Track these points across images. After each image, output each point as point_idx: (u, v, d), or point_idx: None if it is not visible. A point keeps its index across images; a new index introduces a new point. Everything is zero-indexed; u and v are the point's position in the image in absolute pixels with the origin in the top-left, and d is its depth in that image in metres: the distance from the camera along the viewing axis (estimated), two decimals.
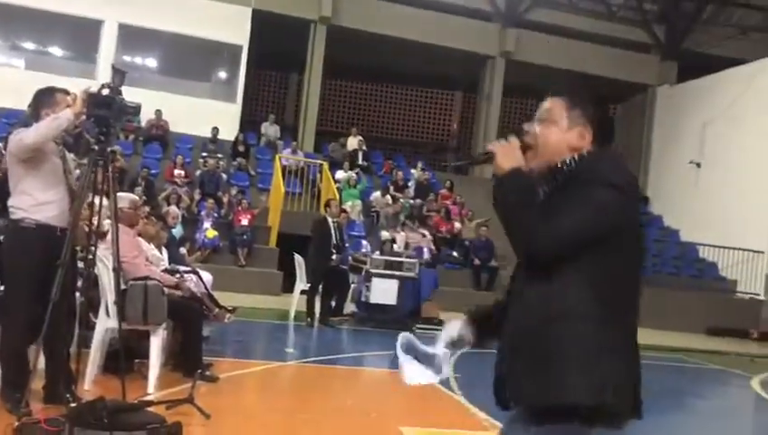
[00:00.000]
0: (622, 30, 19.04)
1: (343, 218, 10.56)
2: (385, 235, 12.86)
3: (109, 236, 4.36)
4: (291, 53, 17.94)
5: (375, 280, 9.77)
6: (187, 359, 5.19)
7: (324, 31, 17.21)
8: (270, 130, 16.88)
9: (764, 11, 18.62)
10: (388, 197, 14.94)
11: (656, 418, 5.57)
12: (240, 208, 12.96)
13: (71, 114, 3.81)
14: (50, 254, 3.81)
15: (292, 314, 9.64)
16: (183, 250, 9.06)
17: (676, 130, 17.91)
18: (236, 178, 14.78)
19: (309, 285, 9.42)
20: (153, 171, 13.83)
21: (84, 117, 3.90)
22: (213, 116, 15.88)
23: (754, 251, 15.19)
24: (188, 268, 6.73)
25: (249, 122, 17.34)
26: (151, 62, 17.64)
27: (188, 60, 17.34)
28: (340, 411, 5.12)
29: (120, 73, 3.79)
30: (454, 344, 2.27)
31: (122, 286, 4.57)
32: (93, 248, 3.95)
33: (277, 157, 14.64)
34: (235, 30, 16.54)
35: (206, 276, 7.04)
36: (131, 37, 16.35)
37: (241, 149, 15.60)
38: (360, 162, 16.38)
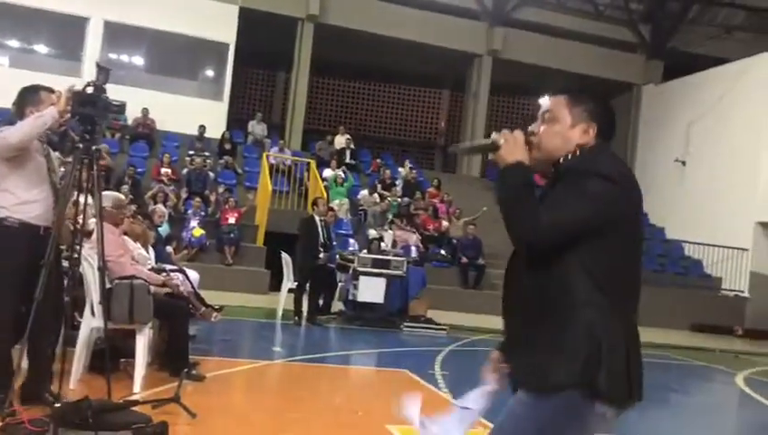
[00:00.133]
0: (608, 29, 19.15)
1: (331, 217, 10.55)
2: (372, 233, 12.87)
3: (94, 235, 4.34)
4: (278, 51, 17.90)
5: (362, 278, 9.77)
6: (174, 358, 5.17)
7: (312, 29, 17.19)
8: (257, 128, 16.84)
9: (749, 10, 18.78)
10: (376, 195, 14.94)
11: (641, 413, 5.62)
12: (227, 207, 12.93)
13: (55, 112, 3.79)
14: (34, 253, 3.79)
15: (280, 313, 9.63)
16: (169, 249, 9.01)
17: (661, 129, 18.03)
18: (223, 176, 14.74)
19: (296, 283, 9.42)
20: (140, 170, 13.76)
21: (69, 115, 3.88)
22: (200, 114, 15.82)
23: (739, 249, 15.33)
24: (175, 267, 6.71)
25: (236, 121, 17.30)
26: (138, 60, 17.53)
27: (175, 58, 17.26)
28: (328, 410, 5.13)
29: (104, 71, 3.77)
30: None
31: (108, 285, 4.56)
32: (78, 247, 3.93)
33: (264, 155, 14.61)
34: (222, 28, 16.49)
35: (193, 275, 7.02)
36: (117, 35, 16.25)
37: (228, 147, 15.56)
38: (348, 160, 16.38)
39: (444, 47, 17.88)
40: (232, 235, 12.54)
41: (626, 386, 1.91)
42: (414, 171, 16.52)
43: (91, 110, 3.76)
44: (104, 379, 4.05)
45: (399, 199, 15.12)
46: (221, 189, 13.74)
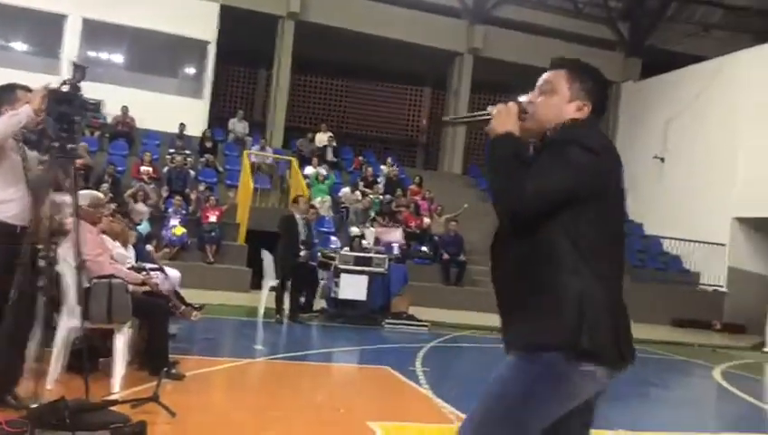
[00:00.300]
0: (588, 27, 19.27)
1: (312, 214, 10.54)
2: (354, 231, 12.87)
3: (71, 234, 4.31)
4: (259, 48, 17.84)
5: (344, 276, 9.78)
6: (153, 357, 5.15)
7: (292, 26, 17.15)
8: (238, 126, 16.77)
9: (726, 9, 18.99)
10: (358, 192, 14.95)
11: (621, 407, 5.69)
12: (208, 205, 12.88)
13: (30, 111, 3.76)
14: (10, 252, 3.76)
15: (261, 311, 9.61)
16: (150, 247, 8.96)
17: (640, 126, 18.18)
18: (204, 174, 14.67)
19: (277, 281, 9.41)
20: (119, 168, 13.66)
21: (44, 114, 3.85)
22: (180, 112, 15.73)
23: (717, 244, 15.51)
24: (155, 266, 6.68)
25: (217, 118, 17.22)
26: (117, 58, 17.40)
27: (155, 55, 17.13)
28: (309, 408, 5.13)
29: (80, 69, 3.75)
30: None
31: (86, 285, 4.54)
32: (54, 247, 3.90)
33: (245, 153, 14.56)
34: (203, 25, 16.41)
35: (174, 274, 7.02)
36: (96, 32, 16.11)
37: (209, 145, 15.49)
38: (330, 158, 16.37)
39: (425, 45, 17.91)
40: (213, 233, 12.49)
41: (613, 345, 1.94)
42: (396, 168, 16.54)
43: (66, 108, 3.74)
44: (82, 379, 4.02)
45: (381, 197, 15.14)
46: (202, 188, 13.67)
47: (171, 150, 14.67)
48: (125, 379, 4.85)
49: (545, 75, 2.16)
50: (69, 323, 4.65)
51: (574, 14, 19.18)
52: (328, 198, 14.41)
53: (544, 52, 18.62)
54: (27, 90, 3.97)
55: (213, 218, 12.64)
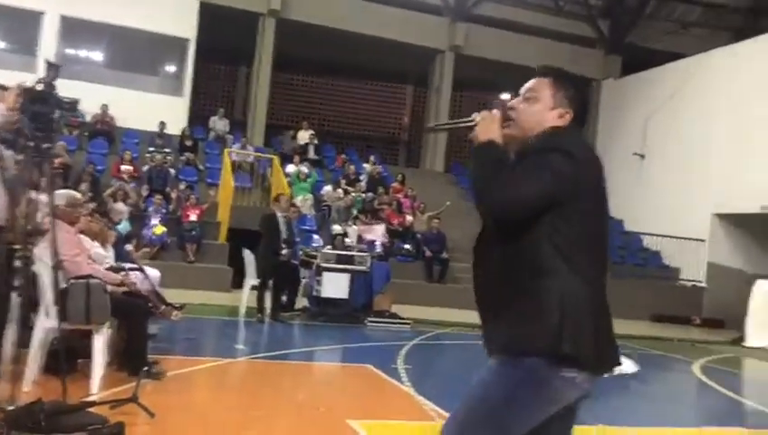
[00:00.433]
0: (568, 24, 19.38)
1: (293, 213, 10.51)
2: (336, 229, 12.85)
3: (48, 234, 4.27)
4: (239, 46, 17.76)
5: (326, 274, 9.77)
6: (132, 357, 5.10)
7: (273, 24, 17.09)
8: (219, 124, 16.69)
9: (705, 6, 19.18)
10: (340, 190, 14.93)
11: (601, 402, 5.72)
12: (188, 204, 12.80)
13: (3, 109, 3.71)
14: None
15: (243, 311, 9.57)
16: (129, 247, 8.89)
17: (620, 123, 18.31)
18: (185, 173, 14.58)
19: (259, 280, 9.37)
20: (99, 167, 13.54)
21: (19, 113, 3.80)
22: (160, 110, 15.63)
23: (696, 240, 15.66)
24: (135, 266, 6.63)
25: (197, 117, 17.11)
26: (96, 56, 17.24)
27: (135, 53, 16.98)
28: (290, 407, 5.12)
29: (54, 68, 3.71)
30: None
31: (63, 285, 4.49)
32: (31, 247, 3.86)
33: (226, 151, 14.49)
34: (183, 23, 16.30)
35: (153, 273, 6.95)
36: (74, 30, 15.95)
37: (189, 143, 15.40)
38: (312, 156, 16.33)
39: (406, 43, 17.92)
40: (194, 232, 12.42)
41: (594, 350, 1.94)
42: (378, 166, 16.54)
43: (41, 107, 3.70)
44: (60, 380, 3.98)
45: (364, 195, 15.13)
46: (182, 186, 13.58)
47: (151, 149, 14.57)
48: (104, 380, 4.81)
49: (529, 83, 2.19)
50: (46, 323, 4.60)
51: (555, 12, 19.28)
52: (310, 196, 14.38)
53: (525, 49, 18.98)
54: (3, 88, 3.92)
55: (193, 217, 12.57)
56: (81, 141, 14.80)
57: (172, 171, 14.15)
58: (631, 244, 16.68)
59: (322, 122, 19.89)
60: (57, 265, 4.12)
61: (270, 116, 17.92)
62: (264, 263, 9.34)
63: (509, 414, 1.98)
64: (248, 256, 9.73)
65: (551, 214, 1.96)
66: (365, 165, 16.55)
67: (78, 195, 5.57)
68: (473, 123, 2.12)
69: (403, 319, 10.05)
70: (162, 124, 15.32)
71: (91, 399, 4.25)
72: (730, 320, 13.81)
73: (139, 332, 5.19)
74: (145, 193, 13.26)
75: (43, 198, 4.52)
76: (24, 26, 15.89)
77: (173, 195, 13.39)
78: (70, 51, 16.42)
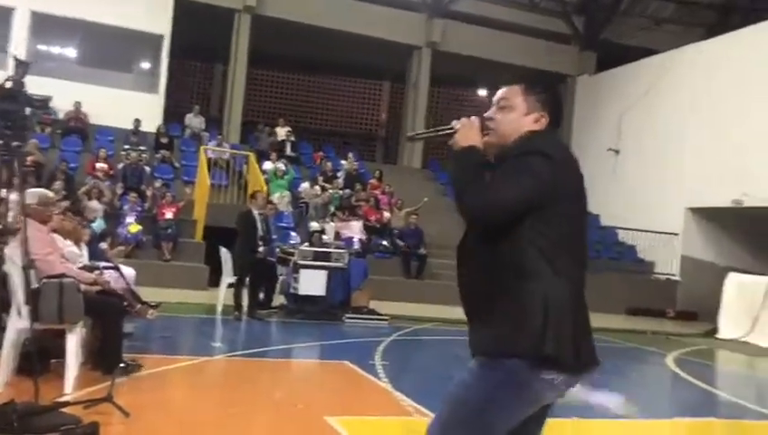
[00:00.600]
0: (543, 21, 19.50)
1: (270, 210, 10.47)
2: (314, 226, 12.83)
3: (19, 234, 4.22)
4: (215, 42, 17.65)
5: (303, 271, 9.74)
6: (107, 357, 5.06)
7: (249, 20, 17.00)
8: (194, 121, 16.57)
9: (677, 3, 19.39)
10: (317, 187, 14.90)
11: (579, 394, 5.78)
12: (164, 202, 12.70)
13: None
14: None
15: (220, 309, 9.52)
16: (104, 245, 8.82)
17: (594, 119, 18.47)
18: (160, 170, 14.45)
19: (235, 278, 9.33)
20: (72, 165, 13.39)
21: None
22: (135, 108, 15.47)
23: (670, 233, 15.86)
24: (109, 264, 6.57)
25: (173, 114, 16.96)
26: (69, 53, 17.03)
27: (108, 50, 16.78)
28: (267, 404, 5.11)
29: (23, 65, 3.66)
30: None
31: (36, 285, 4.44)
32: (2, 246, 3.81)
33: (202, 148, 14.39)
34: (157, 19, 16.15)
35: (128, 272, 6.90)
36: (46, 26, 15.73)
37: (164, 141, 15.27)
38: (289, 153, 16.27)
39: (383, 39, 17.90)
40: (169, 230, 12.32)
41: (574, 354, 1.98)
42: (355, 163, 16.52)
43: (9, 104, 3.65)
44: (33, 381, 3.94)
45: (341, 191, 15.11)
46: (158, 184, 13.47)
47: (126, 147, 14.42)
48: (78, 380, 4.76)
49: (501, 92, 2.23)
50: (18, 324, 4.55)
51: (530, 9, 19.38)
52: (287, 193, 14.34)
53: (501, 46, 19.05)
54: None
55: (169, 215, 12.47)
56: (53, 139, 14.61)
57: (147, 169, 14.03)
58: (607, 238, 16.84)
59: (299, 119, 19.81)
60: (29, 265, 4.08)
61: (246, 113, 17.83)
62: (240, 260, 9.30)
63: (489, 416, 2.01)
64: (225, 254, 9.68)
65: (532, 216, 1.99)
66: (343, 162, 16.52)
67: (50, 193, 5.50)
68: (452, 131, 2.16)
69: (381, 315, 10.07)
70: (137, 121, 15.18)
71: (64, 399, 4.21)
72: (703, 312, 14.01)
73: (113, 331, 5.15)
74: (120, 191, 13.12)
75: (14, 196, 4.47)
76: None
77: (148, 193, 13.27)
78: (41, 47, 16.20)
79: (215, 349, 7.32)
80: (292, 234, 12.78)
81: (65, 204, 9.01)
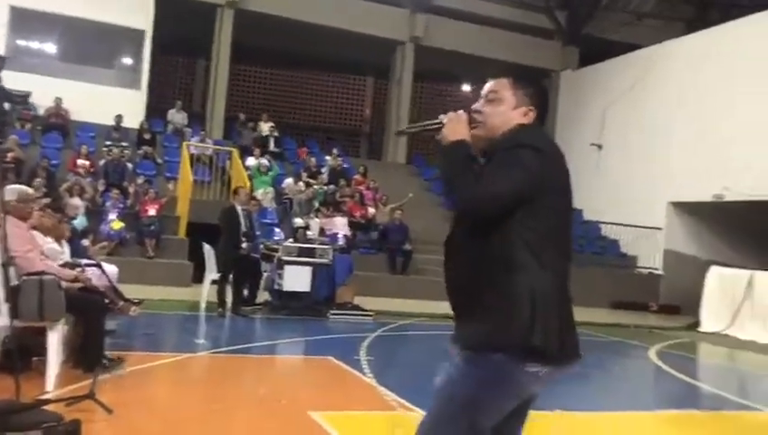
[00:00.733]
0: (526, 16, 19.55)
1: (254, 206, 10.43)
2: (298, 222, 12.79)
3: None
4: (197, 38, 17.52)
5: (287, 268, 9.71)
6: (89, 354, 5.02)
7: (231, 15, 16.91)
8: (177, 117, 16.46)
9: None
10: (301, 183, 14.86)
11: (559, 387, 5.80)
12: (147, 198, 12.62)
13: None
14: None
15: (203, 305, 9.49)
16: (86, 242, 8.75)
17: (578, 114, 18.55)
18: (142, 167, 14.36)
19: (219, 274, 9.29)
20: (54, 162, 13.27)
21: None
22: (116, 103, 15.36)
23: (652, 228, 15.98)
24: (91, 261, 6.52)
25: (155, 110, 16.84)
26: (50, 48, 16.84)
27: (89, 45, 16.61)
28: (251, 400, 5.09)
29: (1, 60, 3.61)
30: None
31: (15, 282, 4.40)
32: None
33: (185, 144, 14.29)
34: (138, 14, 16.03)
35: (111, 269, 6.85)
36: (25, 21, 15.55)
37: (147, 137, 15.16)
38: (272, 149, 16.21)
39: (366, 34, 17.87)
40: (152, 227, 12.24)
41: (559, 347, 2.00)
42: (340, 159, 16.49)
43: None
44: (14, 379, 3.90)
45: (325, 187, 15.08)
46: (140, 181, 13.38)
47: (108, 143, 14.31)
48: (60, 377, 4.73)
49: (490, 85, 2.23)
50: None
51: (513, 4, 19.42)
52: (270, 189, 14.29)
53: (484, 41, 19.06)
54: None
55: (152, 212, 12.39)
56: (34, 135, 14.47)
57: (130, 165, 13.93)
58: (590, 233, 16.94)
59: (282, 115, 19.75)
60: (8, 262, 4.04)
61: (229, 108, 17.74)
62: (224, 257, 9.26)
63: (476, 411, 2.03)
64: (208, 251, 9.63)
65: (521, 210, 2.00)
66: (327, 157, 16.48)
67: (30, 190, 5.46)
68: (440, 125, 2.15)
69: (366, 311, 10.06)
70: (119, 117, 15.06)
71: (46, 396, 4.17)
72: (686, 306, 14.13)
73: (95, 328, 5.11)
74: (102, 188, 13.02)
75: None
76: None
77: (131, 189, 13.18)
78: (21, 42, 16.00)
79: (198, 346, 7.28)
80: (277, 230, 12.75)
81: (45, 201, 8.92)
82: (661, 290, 15.65)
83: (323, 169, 15.93)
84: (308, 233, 11.84)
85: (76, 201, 11.62)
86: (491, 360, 1.98)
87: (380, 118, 20.87)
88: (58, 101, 14.83)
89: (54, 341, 4.68)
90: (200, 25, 16.71)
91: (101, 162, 13.64)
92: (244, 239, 9.25)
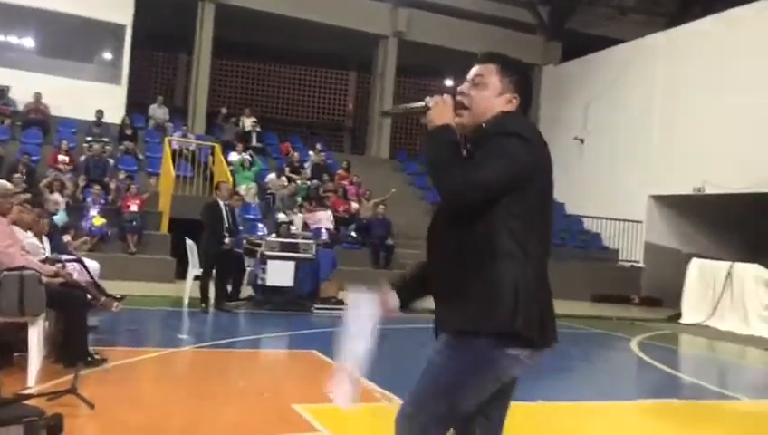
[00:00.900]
0: (509, 11, 19.59)
1: (236, 201, 10.39)
2: (281, 217, 12.76)
3: None
4: (178, 32, 17.39)
5: (270, 263, 9.69)
6: (70, 349, 5.00)
7: (213, 9, 16.81)
8: (158, 112, 16.35)
9: None
10: (284, 178, 14.82)
11: (542, 378, 5.86)
12: (128, 194, 12.53)
13: None
14: None
15: (186, 301, 9.45)
16: (67, 238, 8.67)
17: (560, 108, 18.64)
18: (124, 162, 14.25)
19: (201, 270, 9.26)
20: (34, 157, 13.13)
21: None
22: (97, 99, 15.23)
23: (634, 221, 16.11)
24: (72, 257, 6.47)
25: (136, 105, 16.72)
26: (28, 43, 16.65)
27: (69, 40, 16.44)
28: (233, 394, 5.09)
29: None
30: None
31: None
32: None
33: (166, 139, 14.20)
34: (118, 8, 15.91)
35: (92, 265, 6.82)
36: (4, 15, 15.34)
37: (128, 132, 15.05)
38: (255, 144, 16.15)
39: (349, 28, 17.83)
40: (134, 223, 12.16)
41: (540, 331, 2.03)
42: (323, 154, 16.46)
43: None
44: None
45: (309, 182, 15.05)
46: (122, 176, 13.28)
47: (88, 138, 14.19)
48: (42, 373, 4.71)
49: (477, 69, 2.22)
50: None
51: None
52: (253, 184, 14.24)
53: (467, 35, 19.06)
54: None
55: (134, 208, 12.31)
56: (13, 131, 14.32)
57: (111, 161, 13.82)
58: (572, 226, 17.05)
59: (265, 109, 19.67)
60: None
61: (211, 103, 17.64)
62: (206, 252, 9.23)
63: (459, 394, 2.06)
64: (191, 246, 9.59)
65: (507, 198, 2.01)
66: (310, 152, 16.44)
67: (9, 185, 5.41)
68: (426, 107, 2.14)
69: None
70: (99, 113, 14.94)
71: (27, 391, 4.14)
72: (667, 298, 14.26)
73: (77, 323, 5.08)
74: (82, 183, 12.91)
75: None
76: None
77: (112, 185, 13.08)
78: None
79: (181, 341, 7.26)
80: (260, 225, 12.72)
81: (25, 196, 8.83)
82: (643, 283, 15.79)
83: (306, 164, 15.90)
84: (291, 228, 11.82)
85: (56, 197, 11.52)
86: (473, 344, 2.01)
87: (363, 112, 20.84)
88: (38, 96, 14.68)
89: (35, 336, 4.66)
90: (181, 20, 16.59)
91: (82, 158, 13.52)
92: (226, 234, 9.22)
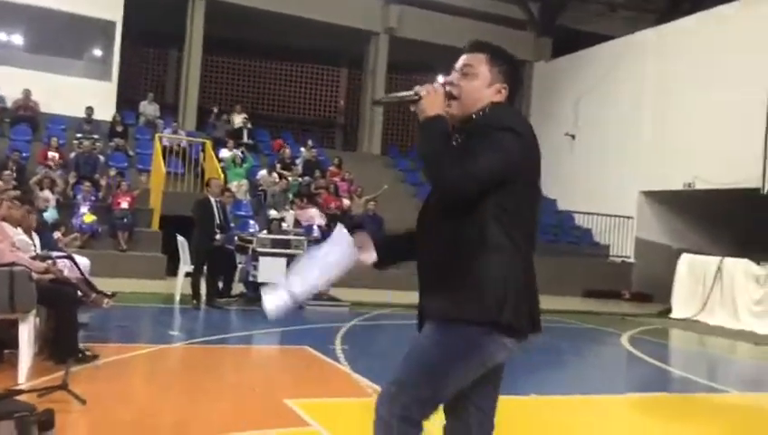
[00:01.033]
0: (500, 7, 19.59)
1: (227, 198, 10.37)
2: (273, 214, 12.75)
3: None
4: (169, 28, 17.32)
5: (262, 259, 9.69)
6: (61, 346, 4.99)
7: (203, 5, 16.74)
8: (149, 108, 16.29)
9: None
10: (275, 175, 14.79)
11: (534, 373, 5.89)
12: (119, 191, 12.49)
13: None
14: None
15: (178, 298, 9.43)
16: (57, 234, 8.64)
17: (551, 104, 18.68)
18: (114, 159, 14.20)
19: (193, 266, 9.24)
20: (24, 154, 13.05)
21: None
22: (87, 95, 15.16)
23: (624, 217, 16.18)
24: (62, 253, 6.45)
25: (126, 101, 16.65)
26: (17, 39, 16.54)
27: (58, 36, 16.32)
28: (225, 389, 5.09)
29: None
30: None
31: None
32: None
33: (157, 136, 14.15)
34: (108, 5, 15.84)
35: (83, 261, 6.78)
36: None
37: (119, 129, 14.98)
38: (246, 140, 16.11)
39: (340, 25, 17.79)
40: (125, 220, 12.12)
41: (527, 321, 2.07)
42: (314, 150, 16.44)
43: None
44: None
45: (300, 179, 15.03)
46: (112, 173, 13.23)
47: (79, 135, 14.12)
48: (33, 369, 4.70)
49: (466, 58, 2.21)
50: None
51: None
52: (245, 181, 14.22)
53: (458, 32, 19.04)
54: None
55: (125, 205, 12.27)
56: (2, 128, 14.25)
57: (101, 158, 13.76)
58: (563, 222, 17.09)
59: (256, 106, 19.62)
60: None
61: (202, 100, 17.59)
62: (198, 249, 9.21)
63: (443, 377, 2.08)
64: (182, 243, 9.57)
65: (497, 191, 2.03)
66: (302, 149, 16.42)
67: None
68: (417, 97, 2.13)
69: (341, 301, 10.08)
70: (89, 109, 14.87)
71: (18, 387, 4.13)
72: (658, 293, 14.34)
73: (67, 319, 5.06)
74: (73, 180, 12.85)
75: None
76: None
77: (102, 182, 13.03)
78: None
79: (173, 337, 7.25)
80: (251, 222, 12.69)
81: (14, 193, 8.78)
82: (633, 278, 15.86)
83: (298, 161, 15.87)
84: (283, 224, 11.80)
85: (46, 194, 11.48)
86: (461, 329, 2.03)
87: (355, 109, 20.82)
88: (27, 92, 14.60)
89: (26, 332, 4.64)
90: (172, 16, 16.51)
91: (72, 155, 13.46)
92: (217, 231, 9.21)
